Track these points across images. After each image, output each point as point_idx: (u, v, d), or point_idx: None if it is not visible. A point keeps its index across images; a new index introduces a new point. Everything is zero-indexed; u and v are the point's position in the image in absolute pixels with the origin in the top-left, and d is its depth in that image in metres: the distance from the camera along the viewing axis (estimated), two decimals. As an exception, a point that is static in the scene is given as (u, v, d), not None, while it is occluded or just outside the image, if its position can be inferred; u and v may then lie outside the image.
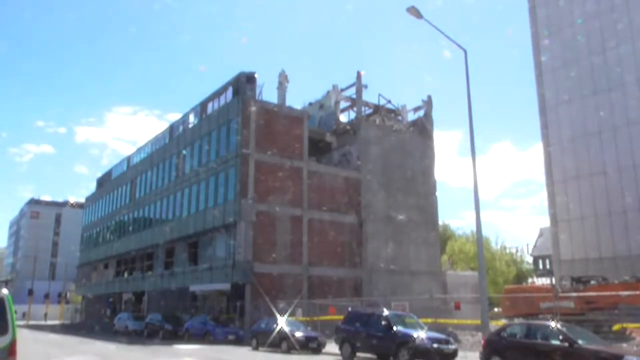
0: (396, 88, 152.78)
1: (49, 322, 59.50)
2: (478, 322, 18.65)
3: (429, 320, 21.65)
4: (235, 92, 35.30)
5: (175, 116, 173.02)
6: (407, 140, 40.47)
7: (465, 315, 25.86)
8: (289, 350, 21.36)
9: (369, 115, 41.42)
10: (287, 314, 25.20)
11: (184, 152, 39.57)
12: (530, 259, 66.16)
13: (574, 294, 21.79)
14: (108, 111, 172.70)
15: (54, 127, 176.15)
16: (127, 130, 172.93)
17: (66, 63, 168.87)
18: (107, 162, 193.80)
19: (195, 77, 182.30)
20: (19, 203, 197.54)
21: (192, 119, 41.63)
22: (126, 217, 50.12)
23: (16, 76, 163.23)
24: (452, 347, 17.24)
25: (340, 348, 19.57)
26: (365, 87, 40.31)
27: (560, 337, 12.93)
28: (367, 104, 41.68)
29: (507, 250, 58.10)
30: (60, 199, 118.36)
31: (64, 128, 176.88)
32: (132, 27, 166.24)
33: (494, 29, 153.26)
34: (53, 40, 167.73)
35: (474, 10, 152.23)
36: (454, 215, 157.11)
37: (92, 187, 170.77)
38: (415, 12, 17.69)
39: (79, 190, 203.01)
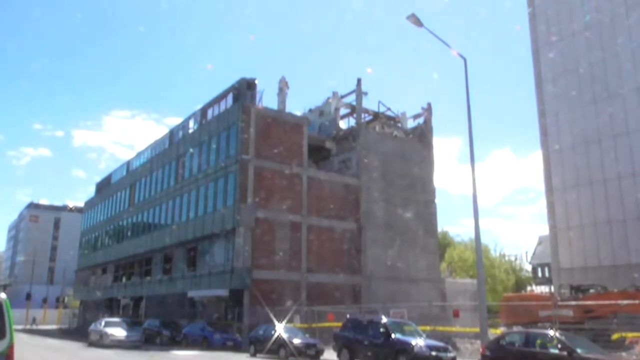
0: (396, 95, 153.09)
1: (47, 327, 59.29)
2: (477, 330, 18.62)
3: (428, 327, 21.62)
4: (236, 98, 35.38)
5: (174, 120, 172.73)
6: (406, 147, 40.53)
7: (464, 323, 25.80)
8: (287, 357, 21.30)
9: (368, 122, 41.51)
10: (286, 320, 25.14)
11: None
12: (529, 267, 66.16)
13: (573, 303, 21.74)
14: (106, 115, 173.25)
15: (51, 131, 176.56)
16: (125, 134, 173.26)
17: (64, 66, 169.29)
18: (104, 166, 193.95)
19: (194, 81, 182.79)
20: (15, 206, 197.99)
21: (192, 124, 41.68)
22: (125, 222, 50.04)
23: (14, 79, 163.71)
24: (450, 355, 17.24)
25: (339, 355, 19.55)
26: (365, 94, 40.42)
27: (559, 345, 12.91)
28: (367, 111, 41.77)
29: (507, 258, 58.13)
30: (57, 203, 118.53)
31: (61, 131, 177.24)
32: (131, 31, 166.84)
33: (494, 35, 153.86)
34: (51, 43, 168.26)
35: (474, 17, 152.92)
36: (453, 222, 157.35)
37: (89, 191, 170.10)
38: (415, 20, 17.75)
39: (77, 194, 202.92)
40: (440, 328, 23.62)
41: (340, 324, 21.14)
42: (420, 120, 43.23)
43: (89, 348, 27.44)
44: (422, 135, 42.03)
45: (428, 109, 42.96)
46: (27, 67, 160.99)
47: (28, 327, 58.03)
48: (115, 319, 31.83)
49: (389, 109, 43.20)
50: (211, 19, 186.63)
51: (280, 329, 22.65)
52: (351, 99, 41.32)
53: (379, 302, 30.01)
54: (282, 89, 40.54)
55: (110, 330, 28.59)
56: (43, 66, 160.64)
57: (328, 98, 42.16)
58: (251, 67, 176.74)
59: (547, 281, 57.73)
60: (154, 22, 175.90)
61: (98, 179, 64.17)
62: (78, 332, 49.16)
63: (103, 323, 30.05)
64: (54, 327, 60.66)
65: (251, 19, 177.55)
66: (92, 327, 31.61)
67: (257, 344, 23.38)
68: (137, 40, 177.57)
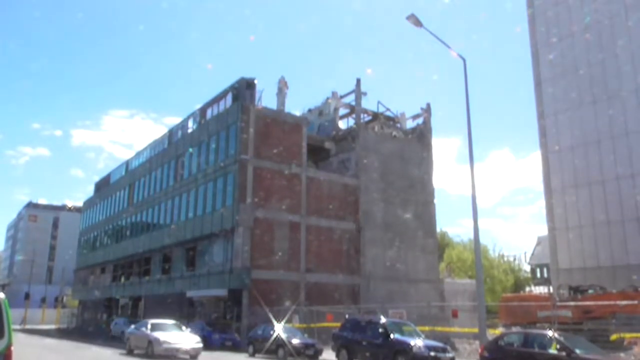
0: (395, 95, 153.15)
1: (46, 327, 59.21)
2: (475, 330, 18.64)
3: (427, 328, 21.64)
4: (235, 98, 35.37)
5: (172, 120, 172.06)
6: (405, 148, 40.54)
7: (462, 323, 25.83)
8: (286, 357, 21.28)
9: (368, 123, 41.51)
10: (284, 320, 25.15)
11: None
12: (528, 268, 66.18)
13: (572, 303, 21.77)
14: (104, 114, 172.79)
15: (50, 130, 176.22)
16: (124, 133, 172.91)
17: (63, 66, 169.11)
18: (103, 166, 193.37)
19: (193, 81, 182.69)
20: (14, 206, 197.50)
21: (191, 124, 41.66)
22: (124, 222, 50.02)
23: (13, 78, 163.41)
24: (449, 355, 17.25)
25: (337, 355, 19.55)
26: (365, 94, 40.43)
27: (558, 346, 12.91)
28: (366, 111, 41.78)
29: (505, 259, 58.15)
30: (56, 202, 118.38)
31: (60, 131, 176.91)
32: (130, 31, 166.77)
33: (494, 37, 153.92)
34: (51, 43, 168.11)
35: (474, 19, 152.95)
36: (452, 222, 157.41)
37: (87, 190, 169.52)
38: (415, 20, 17.75)
39: (75, 194, 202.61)
40: (439, 328, 23.64)
41: (339, 324, 21.15)
42: (420, 120, 43.26)
43: (86, 349, 25.35)
44: (422, 135, 42.05)
45: (427, 110, 42.97)
46: (26, 67, 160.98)
47: (27, 327, 57.92)
48: (166, 321, 23.78)
49: (388, 109, 43.24)
50: (211, 19, 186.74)
51: (279, 329, 22.63)
52: (350, 99, 41.33)
53: (377, 303, 30.01)
54: (282, 89, 40.54)
55: (163, 336, 21.27)
56: (42, 66, 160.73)
57: (327, 98, 42.18)
58: (251, 67, 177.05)
59: (545, 282, 57.77)
60: (154, 21, 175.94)
61: (97, 178, 64.08)
62: (77, 331, 49.16)
63: (149, 326, 22.53)
64: (52, 326, 60.57)
65: (251, 19, 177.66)
66: (130, 330, 24.47)
67: (256, 344, 23.38)
68: (136, 39, 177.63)
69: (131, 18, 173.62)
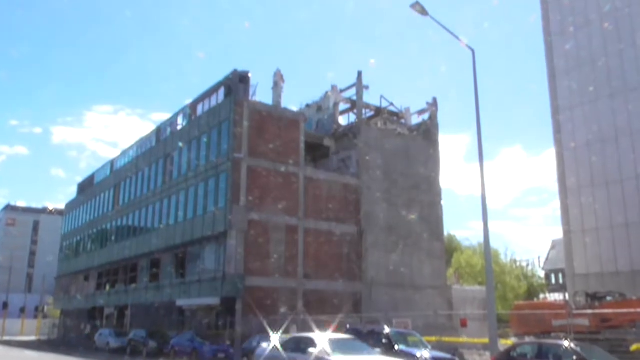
0: (399, 89, 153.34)
1: (25, 338, 59.16)
2: (486, 340, 18.63)
3: (433, 338, 21.66)
4: (228, 93, 35.37)
5: (160, 116, 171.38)
6: (410, 145, 40.55)
7: (472, 333, 25.82)
8: (283, 370, 21.19)
9: (370, 118, 41.52)
10: (281, 330, 25.11)
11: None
12: (542, 273, 66.31)
13: (589, 311, 21.77)
14: (87, 110, 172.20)
15: (28, 127, 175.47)
16: (108, 130, 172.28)
17: (42, 57, 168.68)
18: (86, 166, 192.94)
19: (183, 74, 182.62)
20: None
21: (180, 120, 41.67)
22: (109, 226, 50.01)
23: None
24: (457, 367, 17.25)
25: (338, 368, 19.49)
26: (367, 88, 40.37)
27: (574, 357, 12.91)
28: (368, 106, 41.76)
29: (518, 264, 58.23)
30: (35, 204, 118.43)
31: (39, 128, 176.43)
32: (117, 18, 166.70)
33: (506, 26, 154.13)
34: (30, 30, 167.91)
35: (485, 7, 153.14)
36: (460, 225, 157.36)
37: (69, 191, 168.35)
38: (420, 8, 17.76)
39: (56, 195, 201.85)
40: (447, 339, 23.65)
41: (339, 334, 21.10)
42: (426, 116, 43.26)
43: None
44: (427, 132, 42.07)
45: (434, 104, 43.00)
46: (2, 58, 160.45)
47: (6, 338, 57.85)
48: (338, 336, 16.38)
49: (391, 104, 43.22)
50: (204, 6, 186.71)
51: (275, 340, 22.57)
52: (351, 93, 41.29)
53: (381, 311, 30.03)
54: (278, 82, 40.50)
55: None
56: (21, 58, 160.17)
57: (326, 92, 42.15)
58: (245, 59, 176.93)
59: (561, 288, 57.92)
60: (142, 7, 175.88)
61: (79, 179, 64.22)
62: (59, 343, 49.11)
63: (317, 341, 14.58)
64: (32, 338, 60.52)
65: (246, 5, 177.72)
66: (271, 354, 16.70)
67: (250, 356, 23.32)
68: (122, 27, 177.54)
69: (117, 3, 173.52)
